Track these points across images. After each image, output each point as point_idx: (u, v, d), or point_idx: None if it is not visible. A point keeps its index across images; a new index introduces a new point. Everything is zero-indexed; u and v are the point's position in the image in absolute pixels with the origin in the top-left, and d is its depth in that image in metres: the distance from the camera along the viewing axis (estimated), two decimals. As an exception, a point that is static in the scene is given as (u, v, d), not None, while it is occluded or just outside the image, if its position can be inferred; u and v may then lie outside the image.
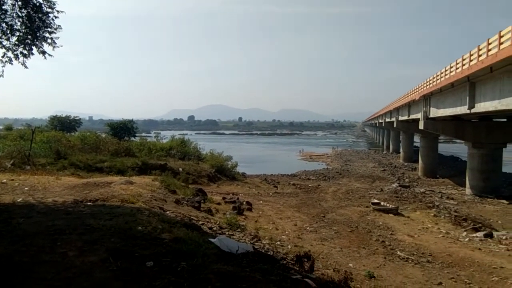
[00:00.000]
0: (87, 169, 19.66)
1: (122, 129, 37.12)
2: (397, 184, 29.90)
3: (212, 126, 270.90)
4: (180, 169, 23.46)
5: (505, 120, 27.76)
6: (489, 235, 12.49)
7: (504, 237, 12.06)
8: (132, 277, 4.71)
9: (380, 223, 15.51)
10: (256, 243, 9.80)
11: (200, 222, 10.40)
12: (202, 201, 14.80)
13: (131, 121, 39.73)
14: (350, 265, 9.80)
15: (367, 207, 19.24)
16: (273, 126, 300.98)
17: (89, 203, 9.44)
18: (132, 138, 36.79)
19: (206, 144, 40.43)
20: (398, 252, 11.08)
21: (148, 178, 16.26)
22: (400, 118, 49.95)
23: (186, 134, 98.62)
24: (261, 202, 19.68)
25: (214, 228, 10.29)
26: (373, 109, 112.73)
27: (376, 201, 20.23)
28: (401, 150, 56.08)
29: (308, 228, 14.33)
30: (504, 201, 23.49)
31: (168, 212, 10.36)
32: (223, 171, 27.36)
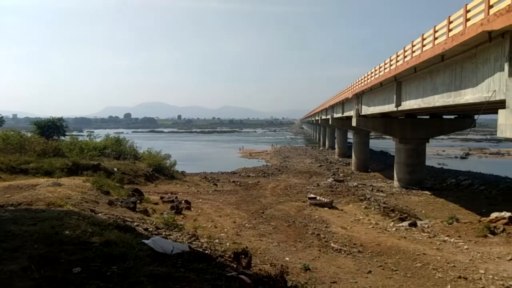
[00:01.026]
0: (10, 171, 18.20)
1: (51, 128, 34.76)
2: (332, 179, 31.14)
3: (150, 124, 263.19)
4: (115, 169, 22.53)
5: (428, 117, 29.99)
6: (414, 224, 13.45)
7: (426, 226, 13.06)
8: (56, 285, 4.44)
9: (316, 217, 16.07)
10: (194, 242, 9.70)
11: (135, 224, 10.07)
12: (138, 201, 14.35)
13: (60, 119, 37.30)
14: (287, 259, 10.05)
15: (304, 202, 19.83)
16: (213, 124, 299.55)
17: (10, 208, 8.74)
18: (62, 138, 34.60)
19: (143, 142, 39.20)
20: (332, 244, 11.56)
21: (79, 179, 15.43)
22: (335, 115, 52.06)
23: (122, 132, 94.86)
24: (200, 200, 19.51)
25: (150, 229, 10.02)
26: (312, 106, 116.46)
27: (312, 195, 20.92)
28: (336, 146, 58.47)
29: (247, 224, 14.46)
30: (427, 192, 25.42)
31: (100, 214, 9.90)
32: (161, 170, 26.73)
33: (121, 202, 12.95)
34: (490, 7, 11.85)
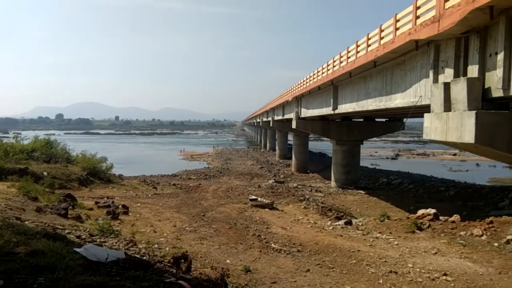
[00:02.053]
0: None
1: (-30, 129, 31.72)
2: (273, 180, 31.64)
3: (84, 126, 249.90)
4: (45, 173, 21.09)
5: (362, 120, 31.55)
6: (349, 223, 14.06)
7: (360, 224, 13.71)
8: (-27, 302, 4.03)
9: (257, 218, 16.21)
10: (131, 249, 9.33)
11: (67, 231, 9.48)
12: (71, 207, 13.54)
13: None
14: (228, 261, 10.01)
15: (245, 203, 19.92)
16: (153, 126, 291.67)
17: None
18: (-16, 139, 31.70)
19: (77, 145, 37.10)
20: (273, 245, 11.71)
21: (3, 184, 14.24)
22: (276, 117, 53.00)
23: (54, 134, 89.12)
24: (139, 204, 18.86)
25: (83, 236, 9.48)
26: (253, 108, 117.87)
27: (254, 197, 21.09)
28: (277, 148, 59.55)
29: (187, 228, 14.21)
30: (361, 191, 26.71)
31: (27, 222, 9.19)
32: (96, 174, 25.46)
33: (51, 209, 12.14)
34: (417, 17, 12.73)
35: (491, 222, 9.62)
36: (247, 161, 52.11)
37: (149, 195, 22.65)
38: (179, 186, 27.75)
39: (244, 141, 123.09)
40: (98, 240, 9.53)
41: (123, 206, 16.62)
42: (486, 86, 10.12)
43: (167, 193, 24.13)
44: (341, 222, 14.41)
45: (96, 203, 16.47)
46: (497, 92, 9.64)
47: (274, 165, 47.03)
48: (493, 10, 9.14)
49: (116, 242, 9.78)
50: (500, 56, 9.43)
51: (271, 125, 56.16)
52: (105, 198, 18.80)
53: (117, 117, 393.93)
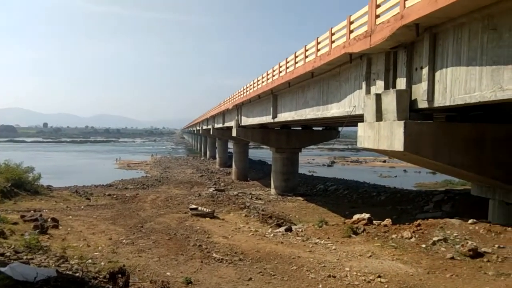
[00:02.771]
0: None
1: None
2: (214, 189, 31.43)
3: (8, 133, 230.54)
4: (-39, 186, 19.11)
5: (300, 128, 32.49)
6: (289, 229, 14.32)
7: (300, 230, 14.02)
8: None
9: (198, 227, 15.94)
10: (62, 265, 8.72)
11: (-13, 249, 8.63)
12: (-8, 222, 12.37)
13: None
14: (168, 273, 9.71)
15: (185, 213, 19.52)
16: (86, 133, 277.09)
17: None
18: None
19: (0, 154, 34.15)
20: (214, 254, 11.57)
21: None
22: (216, 125, 52.88)
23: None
24: (70, 217, 17.73)
25: (8, 254, 8.70)
26: (193, 116, 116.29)
27: (194, 206, 20.74)
28: (217, 156, 59.34)
29: (124, 240, 13.59)
30: (300, 198, 27.41)
31: None
32: (22, 185, 23.55)
33: (-31, 225, 11.00)
34: (351, 32, 13.42)
35: (419, 225, 10.32)
36: (187, 169, 51.29)
37: (82, 207, 21.40)
38: (114, 196, 26.52)
39: (184, 149, 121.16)
40: (25, 257, 8.79)
41: (53, 219, 15.52)
42: (413, 98, 10.90)
43: (102, 204, 22.96)
44: (282, 229, 14.63)
45: (22, 216, 15.22)
46: (423, 104, 10.42)
47: (214, 173, 46.77)
48: (419, 28, 9.89)
49: (45, 259, 9.08)
50: (425, 70, 10.23)
51: (211, 133, 55.91)
52: (32, 211, 17.43)
53: (45, 124, 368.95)
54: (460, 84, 9.18)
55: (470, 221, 9.98)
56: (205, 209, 19.79)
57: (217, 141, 60.63)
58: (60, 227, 14.92)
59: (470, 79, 8.89)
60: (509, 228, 9.33)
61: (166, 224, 16.72)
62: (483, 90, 8.49)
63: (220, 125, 48.61)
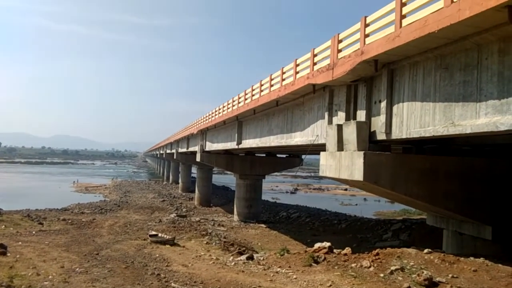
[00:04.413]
0: None
1: None
2: (175, 214, 30.76)
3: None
4: None
5: (264, 155, 32.72)
6: (251, 258, 14.15)
7: (262, 258, 13.90)
8: None
9: (157, 255, 15.46)
10: (7, 296, 8.15)
11: None
12: None
13: None
14: (123, 304, 9.29)
15: (145, 239, 18.91)
16: (43, 154, 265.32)
17: None
18: None
19: None
20: (173, 284, 11.22)
21: None
22: (180, 150, 52.29)
23: None
24: (20, 243, 16.70)
25: None
26: (157, 139, 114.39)
27: (154, 232, 20.14)
28: (180, 180, 58.40)
29: (77, 269, 12.93)
30: (263, 225, 27.30)
31: None
32: (-33, 208, 22.06)
33: None
34: (315, 64, 13.90)
35: (378, 254, 10.51)
36: (148, 194, 50.00)
37: (34, 232, 20.23)
38: (70, 221, 25.30)
39: (146, 173, 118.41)
40: (-35, 288, 8.15)
41: (0, 245, 14.56)
42: (372, 130, 11.32)
43: (55, 229, 21.83)
44: (243, 257, 14.45)
45: (-35, 243, 14.19)
46: (381, 136, 10.83)
47: (176, 198, 45.87)
48: (378, 64, 10.41)
49: (-12, 290, 8.46)
50: (383, 104, 10.70)
51: (175, 157, 55.17)
52: (-23, 237, 16.32)
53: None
54: (416, 118, 9.66)
55: (426, 250, 10.29)
56: (165, 236, 19.26)
57: (180, 166, 59.81)
58: (9, 254, 14.01)
59: (425, 114, 9.38)
60: (462, 258, 9.69)
61: (124, 252, 16.10)
62: (436, 125, 8.97)
63: (184, 150, 48.12)
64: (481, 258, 9.61)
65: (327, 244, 12.05)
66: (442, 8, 7.65)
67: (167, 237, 19.02)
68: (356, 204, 50.30)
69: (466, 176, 10.88)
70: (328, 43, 12.79)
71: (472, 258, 9.58)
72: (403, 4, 9.05)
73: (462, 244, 11.57)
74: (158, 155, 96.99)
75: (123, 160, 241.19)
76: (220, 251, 16.86)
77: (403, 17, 9.01)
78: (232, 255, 15.79)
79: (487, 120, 7.67)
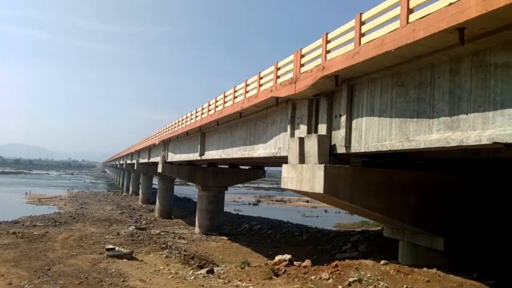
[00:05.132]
0: None
1: None
2: (134, 227, 29.89)
3: None
4: None
5: (227, 166, 32.59)
6: (211, 271, 13.93)
7: (222, 272, 13.71)
8: None
9: (113, 270, 14.90)
10: None
11: None
12: None
13: None
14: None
15: (101, 253, 18.21)
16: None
17: None
18: None
19: None
20: (129, 300, 10.84)
21: None
22: (141, 160, 51.10)
23: None
24: (-38, 259, 15.62)
25: None
26: (118, 149, 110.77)
27: (111, 246, 19.43)
28: (140, 192, 56.96)
29: (26, 286, 12.25)
30: (224, 237, 27.04)
31: None
32: None
33: None
34: (278, 77, 14.09)
35: (336, 265, 10.66)
36: (106, 205, 48.33)
37: (-21, 247, 18.99)
38: (20, 234, 23.92)
39: (105, 183, 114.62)
40: None
41: None
42: (332, 143, 11.56)
43: (4, 243, 20.57)
44: (203, 270, 14.21)
45: None
46: (341, 149, 11.08)
47: (136, 210, 44.65)
48: (338, 79, 10.68)
49: None
50: (343, 118, 10.98)
51: (135, 167, 53.81)
52: None
53: None
54: (374, 133, 9.98)
55: (382, 262, 10.55)
56: (123, 250, 18.63)
57: (141, 177, 58.39)
58: None
59: (382, 129, 9.70)
60: (416, 269, 10.00)
61: (78, 267, 15.41)
62: (392, 140, 9.29)
63: (146, 160, 47.06)
64: (434, 269, 9.96)
65: (288, 256, 12.09)
66: (398, 28, 8.00)
67: (125, 250, 18.41)
68: (317, 216, 50.98)
69: (421, 189, 11.30)
70: (291, 57, 13.02)
71: (425, 269, 9.91)
72: (362, 23, 9.39)
73: (416, 255, 11.95)
74: (118, 166, 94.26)
75: (80, 170, 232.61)
76: (180, 265, 16.50)
77: (362, 35, 9.34)
78: (192, 268, 15.49)
79: (439, 136, 8.03)
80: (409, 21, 7.74)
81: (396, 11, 8.26)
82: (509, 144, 6.90)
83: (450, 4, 6.83)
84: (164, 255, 18.44)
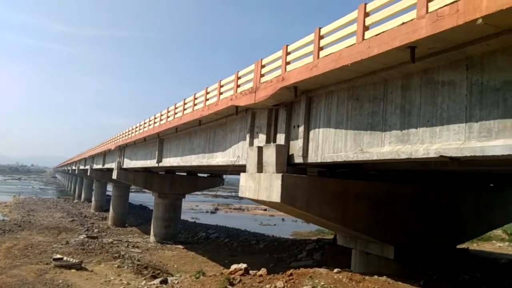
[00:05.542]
0: None
1: None
2: (85, 235, 28.67)
3: None
4: None
5: (185, 174, 32.13)
6: (165, 281, 13.60)
7: (176, 282, 13.40)
8: None
9: (60, 281, 14.21)
10: None
11: None
12: None
13: None
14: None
15: (48, 264, 17.32)
16: None
17: None
18: None
19: None
20: (77, 312, 10.35)
21: None
22: (95, 166, 49.31)
23: None
24: None
25: None
26: (70, 154, 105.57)
27: (58, 256, 18.51)
28: (93, 199, 54.90)
29: (-38, 299, 11.36)
30: (180, 246, 26.55)
31: None
32: None
33: None
34: (238, 86, 14.15)
35: (291, 274, 10.75)
36: (55, 213, 46.08)
37: None
38: (-43, 244, 22.31)
39: (55, 190, 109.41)
40: None
41: None
42: (290, 153, 11.73)
43: None
44: (157, 281, 13.86)
45: None
46: (299, 159, 11.26)
47: (88, 218, 42.91)
48: (297, 90, 10.89)
49: None
50: (301, 129, 11.18)
51: (89, 173, 51.74)
52: None
53: None
54: (330, 144, 10.24)
55: (335, 270, 10.77)
56: (71, 259, 17.80)
57: (94, 183, 56.25)
58: None
59: (338, 140, 9.98)
60: (367, 277, 10.30)
61: (21, 277, 14.55)
62: (347, 151, 9.58)
63: (100, 166, 45.43)
64: (384, 277, 10.30)
65: (244, 265, 12.04)
66: (355, 44, 8.31)
67: (74, 260, 17.60)
68: (275, 224, 51.26)
69: (373, 199, 11.69)
70: (252, 67, 13.14)
71: (376, 277, 10.22)
72: (320, 37, 9.67)
73: (368, 263, 12.32)
74: (70, 171, 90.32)
75: (29, 176, 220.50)
76: (132, 275, 16.00)
77: (320, 48, 9.60)
78: (145, 279, 15.07)
79: (390, 149, 8.37)
80: (365, 37, 8.06)
81: (353, 27, 8.58)
82: (454, 158, 7.32)
83: (403, 23, 7.19)
84: (116, 265, 17.81)
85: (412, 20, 6.99)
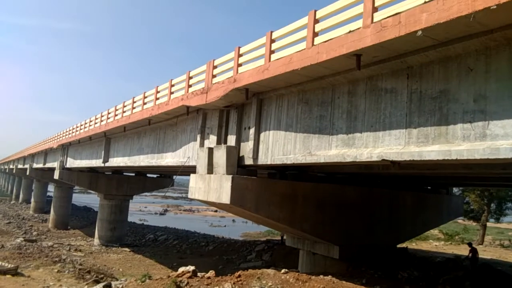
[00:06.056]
0: None
1: None
2: (23, 239, 26.96)
3: None
4: None
5: (133, 174, 31.19)
6: (108, 286, 13.10)
7: (120, 286, 12.97)
8: None
9: (-7, 288, 13.23)
10: None
11: None
12: None
13: None
14: None
15: (-22, 269, 16.02)
16: None
17: None
18: None
19: None
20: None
21: None
22: (36, 165, 46.54)
23: None
24: None
25: None
26: (8, 152, 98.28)
27: (-9, 261, 17.22)
28: (32, 200, 51.84)
29: None
30: (126, 249, 25.73)
31: None
32: None
33: None
34: (190, 86, 13.98)
35: (240, 275, 10.78)
36: (-11, 215, 42.91)
37: None
38: None
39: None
40: None
41: None
42: (241, 154, 11.76)
43: None
44: (100, 285, 13.31)
45: None
46: (249, 161, 11.33)
47: (26, 220, 40.42)
48: (248, 92, 10.95)
49: None
50: (252, 131, 11.26)
51: (28, 173, 48.69)
52: None
53: None
54: (280, 146, 10.39)
55: (283, 270, 10.95)
56: (6, 264, 16.61)
57: (34, 183, 53.09)
58: None
59: (288, 142, 10.16)
60: (313, 276, 10.57)
61: None
62: (296, 154, 9.77)
63: (41, 165, 42.91)
64: (329, 276, 10.62)
65: (191, 268, 11.89)
66: (305, 49, 8.51)
67: (9, 265, 16.44)
68: (225, 226, 51.21)
69: (319, 200, 12.03)
70: (204, 67, 13.04)
71: (321, 276, 10.51)
72: (272, 41, 9.79)
73: (315, 263, 12.66)
74: (7, 170, 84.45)
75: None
76: (73, 280, 15.25)
77: (272, 52, 9.72)
78: (87, 284, 14.44)
79: (337, 152, 8.66)
80: (315, 43, 8.28)
81: (304, 32, 8.78)
82: (395, 162, 7.71)
83: (350, 31, 7.47)
84: (56, 270, 16.89)
85: (358, 28, 7.28)
